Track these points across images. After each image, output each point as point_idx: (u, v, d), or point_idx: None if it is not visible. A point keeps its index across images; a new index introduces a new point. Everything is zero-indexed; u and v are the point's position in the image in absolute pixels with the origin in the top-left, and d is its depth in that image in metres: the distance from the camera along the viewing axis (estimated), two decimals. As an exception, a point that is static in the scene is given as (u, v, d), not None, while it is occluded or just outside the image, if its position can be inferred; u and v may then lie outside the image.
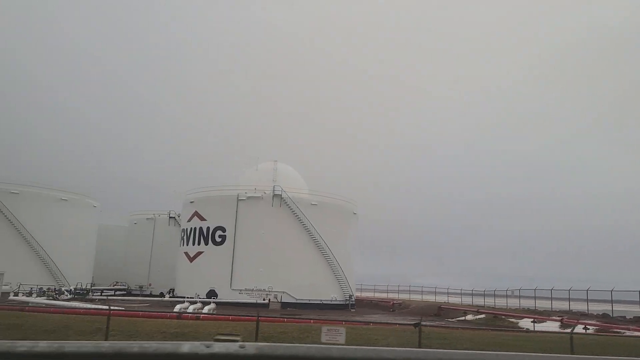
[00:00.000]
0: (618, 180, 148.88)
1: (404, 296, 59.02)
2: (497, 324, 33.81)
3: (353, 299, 52.66)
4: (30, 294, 42.88)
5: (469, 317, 40.65)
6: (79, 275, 55.76)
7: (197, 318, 25.24)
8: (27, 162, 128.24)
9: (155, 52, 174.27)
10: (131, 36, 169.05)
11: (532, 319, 33.52)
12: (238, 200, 50.02)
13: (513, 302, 47.28)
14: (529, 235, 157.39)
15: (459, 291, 52.73)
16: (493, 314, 39.05)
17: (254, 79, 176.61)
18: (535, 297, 43.69)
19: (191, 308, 35.61)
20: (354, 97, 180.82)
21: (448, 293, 53.59)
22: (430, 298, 55.75)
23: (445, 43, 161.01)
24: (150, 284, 67.73)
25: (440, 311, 44.93)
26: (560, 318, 33.04)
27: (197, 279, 49.58)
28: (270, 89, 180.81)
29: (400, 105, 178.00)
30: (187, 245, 52.52)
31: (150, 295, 64.00)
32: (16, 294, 41.63)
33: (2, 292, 38.79)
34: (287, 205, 49.68)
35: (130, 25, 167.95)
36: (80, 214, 57.19)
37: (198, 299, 43.36)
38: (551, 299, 45.32)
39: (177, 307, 35.41)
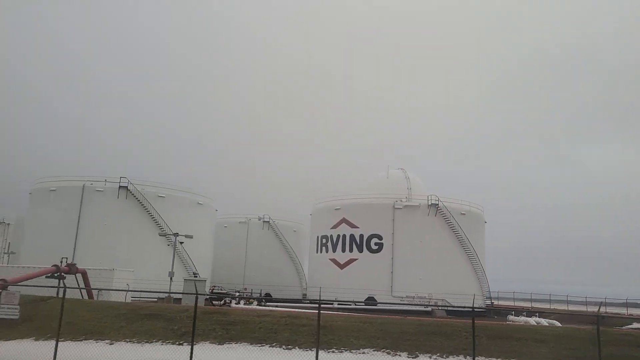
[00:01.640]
0: None
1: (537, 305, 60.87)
2: None
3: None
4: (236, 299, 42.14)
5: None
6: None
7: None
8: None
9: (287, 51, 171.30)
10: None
11: None
12: (394, 208, 50.75)
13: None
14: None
15: (625, 301, 54.77)
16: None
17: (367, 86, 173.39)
18: None
19: (532, 321, 37.19)
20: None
21: (605, 303, 55.78)
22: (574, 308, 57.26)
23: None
24: (245, 288, 67.09)
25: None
26: None
27: (351, 285, 49.81)
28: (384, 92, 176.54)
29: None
30: (334, 252, 52.70)
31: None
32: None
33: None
34: (442, 214, 50.88)
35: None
36: (208, 218, 56.20)
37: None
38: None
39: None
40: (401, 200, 51.01)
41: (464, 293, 49.51)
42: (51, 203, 49.29)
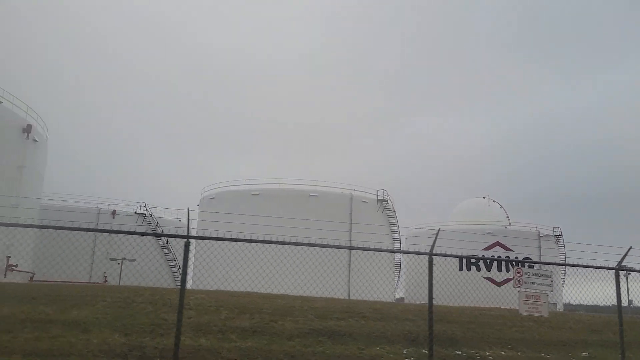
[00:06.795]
0: None
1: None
2: None
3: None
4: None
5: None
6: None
7: None
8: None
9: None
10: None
11: None
12: (539, 237, 61.29)
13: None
14: None
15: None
16: None
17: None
18: None
19: None
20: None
21: None
22: None
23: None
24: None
25: None
26: None
27: (514, 300, 58.12)
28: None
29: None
30: (488, 271, 59.60)
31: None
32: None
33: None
34: (559, 243, 63.85)
35: None
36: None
37: None
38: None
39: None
40: (543, 230, 61.96)
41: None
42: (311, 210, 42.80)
